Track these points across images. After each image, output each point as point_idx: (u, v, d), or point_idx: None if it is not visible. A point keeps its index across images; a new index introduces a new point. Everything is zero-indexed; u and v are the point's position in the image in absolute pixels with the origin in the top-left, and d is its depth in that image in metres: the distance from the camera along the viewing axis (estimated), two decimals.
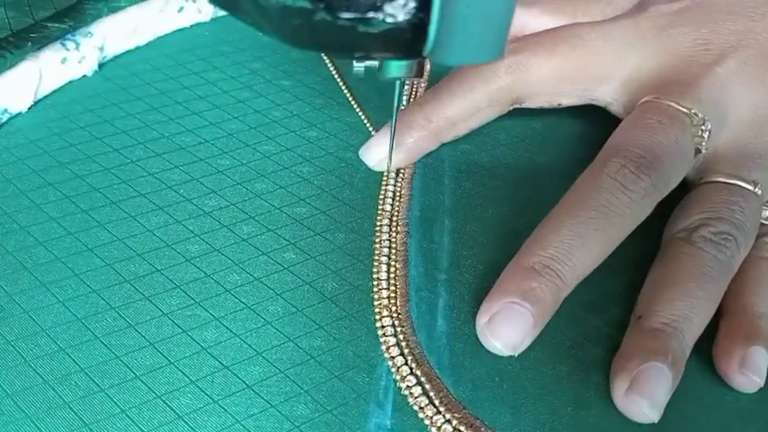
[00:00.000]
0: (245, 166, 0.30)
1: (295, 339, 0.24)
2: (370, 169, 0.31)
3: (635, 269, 0.27)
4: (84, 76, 0.34)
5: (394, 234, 0.28)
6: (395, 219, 0.28)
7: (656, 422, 0.23)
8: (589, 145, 0.30)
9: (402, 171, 0.30)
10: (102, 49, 0.34)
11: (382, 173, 0.30)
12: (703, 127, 0.28)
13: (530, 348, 0.24)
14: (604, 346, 0.25)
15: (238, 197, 0.29)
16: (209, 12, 0.38)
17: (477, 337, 0.24)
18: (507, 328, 0.24)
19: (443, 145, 0.32)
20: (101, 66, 0.35)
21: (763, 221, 0.28)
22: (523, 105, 0.32)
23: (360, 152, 0.31)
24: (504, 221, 0.29)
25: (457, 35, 0.19)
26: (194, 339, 0.23)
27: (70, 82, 0.34)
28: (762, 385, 0.24)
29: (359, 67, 0.22)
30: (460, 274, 0.27)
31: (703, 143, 0.28)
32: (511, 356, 0.24)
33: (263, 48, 0.37)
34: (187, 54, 0.36)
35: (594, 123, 0.33)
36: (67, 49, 0.33)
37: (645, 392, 0.23)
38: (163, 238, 0.27)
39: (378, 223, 0.28)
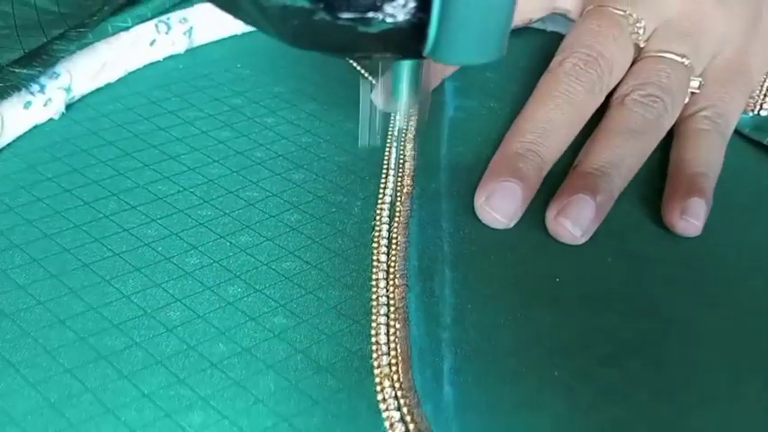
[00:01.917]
0: (227, 216, 0.28)
1: (290, 419, 0.22)
2: (363, 212, 0.29)
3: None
4: (51, 119, 0.32)
5: (392, 289, 0.26)
6: (392, 271, 0.26)
7: (579, 242, 0.28)
8: None
9: (397, 215, 0.28)
10: (68, 89, 0.32)
11: (375, 217, 0.28)
12: (638, 25, 0.33)
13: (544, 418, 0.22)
14: (622, 404, 0.23)
15: (221, 253, 0.27)
16: (183, 43, 0.36)
17: (487, 406, 0.22)
18: (503, 202, 0.28)
19: (439, 181, 0.30)
20: (68, 107, 0.33)
21: (693, 90, 0.33)
22: None
23: (371, 97, 0.31)
24: (506, 269, 0.27)
25: (457, 35, 0.19)
26: (178, 423, 0.21)
27: (35, 127, 0.32)
28: (700, 228, 0.29)
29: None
30: (465, 330, 0.25)
31: (640, 39, 0.33)
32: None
33: (243, 81, 0.35)
34: (161, 90, 0.34)
35: None
36: (31, 93, 0.31)
37: (570, 215, 0.28)
38: (141, 304, 0.25)
39: (374, 277, 0.26)
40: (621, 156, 0.30)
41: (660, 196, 0.31)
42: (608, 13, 0.33)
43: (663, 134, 0.32)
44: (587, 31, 0.33)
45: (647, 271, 0.28)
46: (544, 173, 0.30)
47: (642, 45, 0.33)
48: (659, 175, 0.31)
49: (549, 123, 0.30)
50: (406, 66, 0.24)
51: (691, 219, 0.29)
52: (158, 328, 0.24)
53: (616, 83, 0.33)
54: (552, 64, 0.33)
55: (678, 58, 0.32)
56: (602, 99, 0.32)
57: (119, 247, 0.27)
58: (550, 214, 0.28)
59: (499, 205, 0.28)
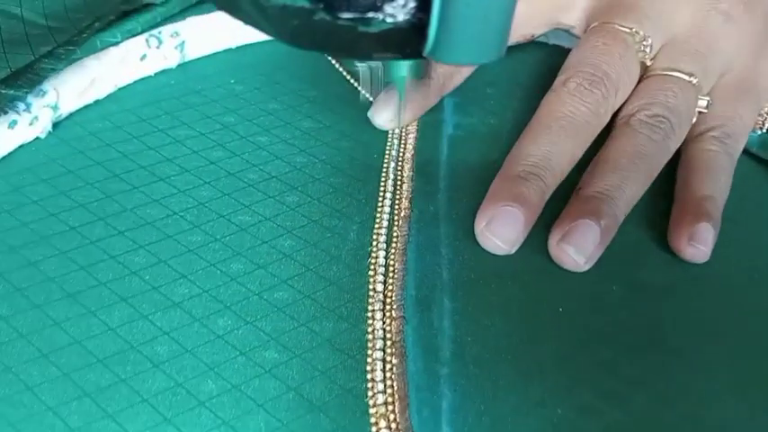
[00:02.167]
0: (218, 242, 0.27)
1: None
2: (359, 237, 0.28)
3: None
4: (38, 138, 0.31)
5: (388, 321, 0.25)
6: (389, 302, 0.25)
7: (583, 269, 0.27)
8: None
9: (394, 240, 0.27)
10: (55, 107, 0.31)
11: (371, 242, 0.27)
12: (644, 43, 0.32)
13: None
14: None
15: (211, 282, 0.26)
16: (175, 58, 0.35)
17: None
18: (504, 228, 0.27)
19: (438, 203, 0.29)
20: (55, 125, 0.32)
21: (701, 110, 0.32)
22: None
23: (369, 114, 0.33)
24: (507, 298, 0.26)
25: (457, 35, 0.19)
26: None
27: (21, 146, 0.30)
28: (708, 254, 0.28)
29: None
30: (464, 366, 0.24)
31: (646, 57, 0.32)
32: None
33: (236, 98, 0.34)
34: (151, 108, 0.33)
35: None
36: (17, 112, 0.30)
37: (572, 241, 0.27)
38: (126, 337, 0.24)
39: (369, 308, 0.25)
40: (626, 179, 0.29)
41: (666, 218, 0.30)
42: (613, 31, 0.32)
43: (669, 156, 0.31)
44: (592, 49, 0.32)
45: (652, 299, 0.27)
46: (547, 197, 0.29)
47: (648, 63, 0.32)
48: (665, 196, 0.30)
49: (551, 146, 0.29)
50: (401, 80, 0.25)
51: (699, 245, 0.28)
52: (145, 364, 0.23)
53: (621, 102, 0.32)
54: (556, 83, 0.32)
55: (686, 77, 0.31)
56: (607, 120, 0.31)
57: (105, 275, 0.26)
58: (553, 240, 0.27)
59: (500, 231, 0.27)
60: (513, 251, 0.27)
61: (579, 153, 0.30)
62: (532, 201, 0.28)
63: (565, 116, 0.30)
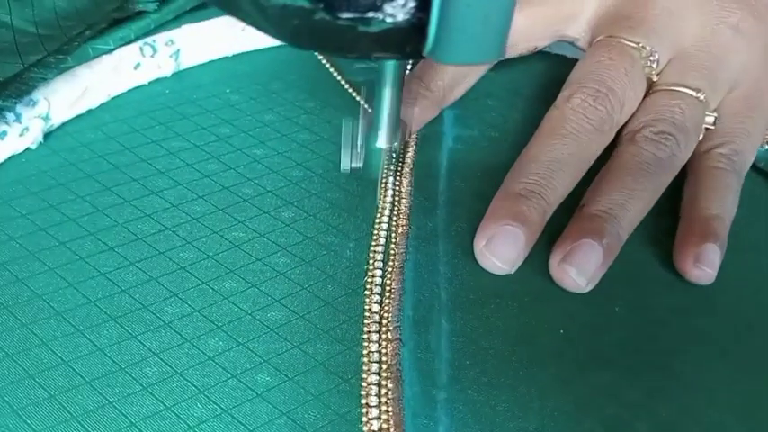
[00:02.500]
0: (210, 259, 0.26)
1: None
2: (356, 256, 0.27)
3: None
4: (28, 148, 0.30)
5: (384, 343, 0.24)
6: (384, 323, 0.25)
7: (585, 290, 0.26)
8: None
9: (391, 258, 0.27)
10: (46, 117, 0.30)
11: (368, 260, 0.27)
12: (651, 58, 0.31)
13: None
14: None
15: (203, 301, 0.25)
16: (169, 67, 0.34)
17: None
18: (504, 247, 0.27)
19: (437, 219, 0.28)
20: (47, 135, 0.31)
21: (708, 126, 0.31)
22: (506, 57, 0.33)
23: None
24: (507, 320, 0.25)
25: (456, 35, 0.19)
26: None
27: (11, 157, 0.30)
28: (714, 276, 0.27)
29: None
30: (462, 390, 0.23)
31: (653, 72, 0.31)
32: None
33: (232, 108, 0.33)
34: (145, 118, 0.32)
35: None
36: (6, 122, 0.29)
37: (574, 262, 0.26)
38: (115, 358, 0.23)
39: (365, 329, 0.24)
40: (630, 197, 0.28)
41: (670, 237, 0.29)
42: (619, 45, 0.31)
43: (675, 173, 0.30)
44: (597, 64, 0.31)
45: (656, 321, 0.26)
46: (548, 216, 0.28)
47: (655, 78, 0.31)
48: (669, 214, 0.30)
49: (553, 163, 0.28)
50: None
51: (705, 267, 0.27)
52: (133, 386, 0.22)
53: (627, 119, 0.31)
54: (559, 99, 0.31)
55: (693, 93, 0.30)
56: (611, 137, 0.30)
57: (94, 293, 0.25)
58: (554, 260, 0.27)
59: (500, 251, 0.27)
60: (513, 271, 0.27)
61: (582, 170, 0.29)
62: (533, 220, 0.27)
63: (568, 133, 0.29)
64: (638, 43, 0.31)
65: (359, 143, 0.27)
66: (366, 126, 0.27)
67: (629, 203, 0.28)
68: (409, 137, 0.32)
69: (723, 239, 0.28)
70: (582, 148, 0.29)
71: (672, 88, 0.30)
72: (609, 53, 0.31)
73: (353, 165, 0.27)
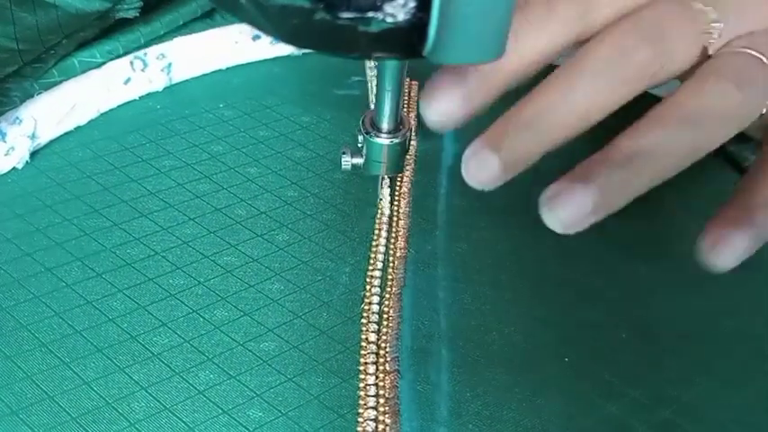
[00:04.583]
0: (201, 285, 0.25)
1: None
2: (352, 281, 0.26)
3: None
4: (14, 168, 0.29)
5: (381, 376, 0.23)
6: (382, 354, 0.24)
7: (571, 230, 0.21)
8: None
9: (389, 284, 0.26)
10: (33, 136, 0.29)
11: (365, 286, 0.26)
12: (714, 24, 0.27)
13: None
14: None
15: (193, 331, 0.24)
16: (161, 81, 0.33)
17: None
18: (478, 172, 0.23)
19: (436, 241, 0.28)
20: (33, 154, 0.30)
21: None
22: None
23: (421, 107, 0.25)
24: (510, 347, 0.25)
25: (457, 35, 0.19)
26: None
27: None
28: (729, 266, 0.23)
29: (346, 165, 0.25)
30: (463, 425, 0.22)
31: (710, 41, 0.27)
32: None
33: (225, 124, 0.32)
34: (135, 135, 0.31)
35: None
36: None
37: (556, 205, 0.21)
38: (101, 393, 0.22)
39: (362, 361, 0.23)
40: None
41: (678, 255, 0.28)
42: (684, 3, 0.27)
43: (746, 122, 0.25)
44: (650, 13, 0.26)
45: (664, 350, 0.25)
46: (544, 150, 0.23)
47: (711, 52, 0.27)
48: (676, 227, 0.29)
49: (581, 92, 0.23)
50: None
51: (723, 254, 0.23)
52: (120, 422, 0.21)
53: (672, 76, 0.26)
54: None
55: (758, 55, 0.26)
56: (655, 83, 0.25)
57: (80, 323, 0.24)
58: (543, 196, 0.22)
59: (474, 174, 0.23)
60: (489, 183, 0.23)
61: (614, 103, 0.24)
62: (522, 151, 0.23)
63: (605, 59, 0.24)
64: (704, 6, 0.27)
65: (359, 141, 0.26)
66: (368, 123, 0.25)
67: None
68: (415, 136, 0.31)
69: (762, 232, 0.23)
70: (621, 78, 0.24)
71: (734, 50, 0.26)
72: (667, 4, 0.27)
73: (354, 161, 0.26)
